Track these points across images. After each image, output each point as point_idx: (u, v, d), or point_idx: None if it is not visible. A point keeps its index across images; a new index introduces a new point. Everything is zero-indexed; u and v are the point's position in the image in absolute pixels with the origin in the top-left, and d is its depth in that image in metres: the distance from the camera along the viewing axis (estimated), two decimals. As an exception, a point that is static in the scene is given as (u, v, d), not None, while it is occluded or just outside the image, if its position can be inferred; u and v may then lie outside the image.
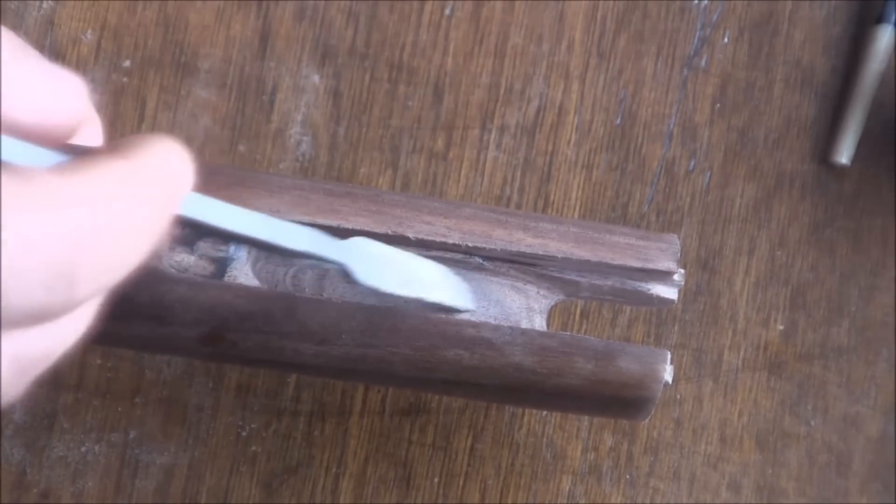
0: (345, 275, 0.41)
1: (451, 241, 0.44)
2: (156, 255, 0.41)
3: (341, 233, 0.43)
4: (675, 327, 0.58)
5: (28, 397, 0.56)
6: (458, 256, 0.44)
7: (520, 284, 0.45)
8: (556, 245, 0.45)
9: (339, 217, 0.43)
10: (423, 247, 0.44)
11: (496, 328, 0.43)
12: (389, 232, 0.43)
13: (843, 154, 0.59)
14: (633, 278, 0.46)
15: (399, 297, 0.42)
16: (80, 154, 0.41)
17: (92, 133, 0.45)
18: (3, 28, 0.39)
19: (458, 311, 0.43)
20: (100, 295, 0.33)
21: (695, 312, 0.58)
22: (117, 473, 0.56)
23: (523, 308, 0.45)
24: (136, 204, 0.32)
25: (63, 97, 0.42)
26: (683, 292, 0.58)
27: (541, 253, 0.44)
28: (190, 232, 0.42)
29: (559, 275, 0.45)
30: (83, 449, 0.56)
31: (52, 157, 0.33)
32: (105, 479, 0.56)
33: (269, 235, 0.38)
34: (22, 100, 0.40)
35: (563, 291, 0.46)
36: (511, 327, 0.43)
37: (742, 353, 0.58)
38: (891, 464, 0.58)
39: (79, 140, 0.44)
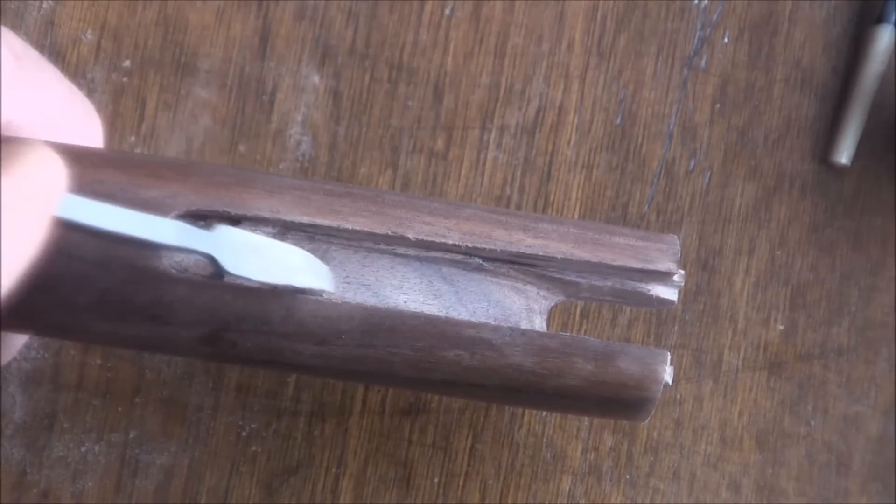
0: (214, 265, 0.40)
1: (451, 242, 0.44)
2: (153, 256, 0.41)
3: (340, 233, 0.43)
4: (675, 327, 0.58)
5: (28, 397, 0.56)
6: (458, 257, 0.44)
7: (520, 285, 0.45)
8: (557, 246, 0.45)
9: (339, 217, 0.43)
10: (422, 247, 0.44)
11: (496, 329, 0.43)
12: (389, 232, 0.43)
13: (843, 154, 0.59)
14: (633, 279, 0.46)
15: (267, 284, 0.42)
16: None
17: (93, 133, 0.45)
18: (4, 28, 0.39)
19: (321, 292, 0.43)
20: None
21: (695, 312, 0.58)
22: (117, 473, 0.56)
23: (523, 309, 0.45)
24: (16, 219, 0.33)
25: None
26: (683, 292, 0.58)
27: (541, 254, 0.44)
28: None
29: (559, 275, 0.45)
30: (83, 449, 0.56)
31: None
32: (105, 479, 0.56)
33: (136, 230, 0.38)
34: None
35: (563, 292, 0.46)
36: (511, 328, 0.43)
37: (742, 353, 0.58)
38: (891, 464, 0.58)
39: (79, 140, 0.44)
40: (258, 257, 0.41)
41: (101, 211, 0.37)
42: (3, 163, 0.34)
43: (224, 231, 0.41)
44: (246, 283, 0.42)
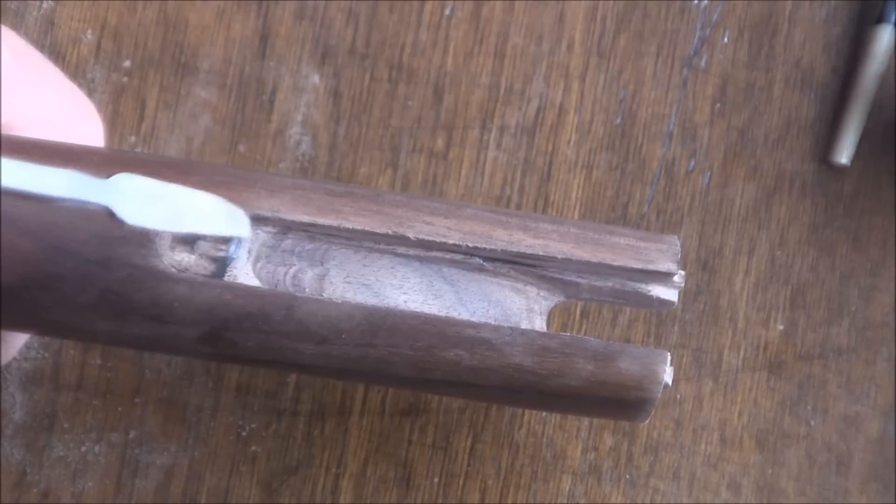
0: (111, 216, 0.39)
1: (451, 242, 0.44)
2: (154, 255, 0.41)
3: (341, 232, 0.43)
4: (675, 327, 0.58)
5: (28, 397, 0.56)
6: (459, 257, 0.44)
7: (520, 285, 0.45)
8: (557, 246, 0.45)
9: (339, 217, 0.43)
10: (423, 247, 0.44)
11: (496, 329, 0.43)
12: (390, 232, 0.43)
13: (843, 154, 0.59)
14: (633, 280, 0.46)
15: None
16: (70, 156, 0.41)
17: (94, 133, 0.45)
18: (4, 28, 0.40)
19: (237, 239, 0.42)
20: None
21: (695, 312, 0.58)
22: (117, 473, 0.56)
23: (523, 309, 0.45)
24: None
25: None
26: (683, 292, 0.58)
27: (541, 254, 0.44)
28: (189, 232, 0.42)
29: (559, 276, 0.45)
30: (83, 449, 0.56)
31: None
32: (105, 479, 0.56)
33: (21, 183, 0.37)
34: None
35: (564, 293, 0.46)
36: (511, 328, 0.43)
37: (742, 353, 0.58)
38: (891, 464, 0.58)
39: (80, 141, 0.44)
40: (162, 205, 0.40)
41: None
42: None
43: (122, 179, 0.40)
44: (246, 283, 0.42)
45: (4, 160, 0.36)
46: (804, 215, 0.59)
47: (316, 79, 0.58)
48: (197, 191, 0.41)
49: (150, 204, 0.40)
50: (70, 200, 0.38)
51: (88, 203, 0.39)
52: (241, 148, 0.58)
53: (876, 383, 0.58)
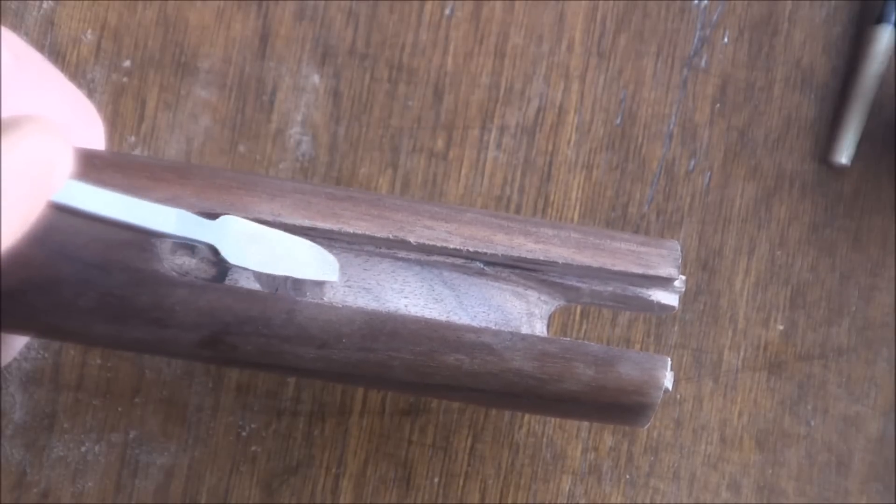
0: (215, 254, 0.40)
1: (451, 246, 0.44)
2: (154, 258, 0.41)
3: (341, 237, 0.43)
4: (675, 327, 0.58)
5: (28, 397, 0.56)
6: (460, 261, 0.44)
7: (521, 290, 0.45)
8: (558, 251, 0.45)
9: (339, 221, 0.43)
10: (424, 251, 0.44)
11: (497, 333, 0.43)
12: (390, 236, 0.43)
13: (843, 154, 0.59)
14: (633, 284, 0.46)
15: (270, 276, 0.42)
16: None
17: (95, 135, 0.45)
18: (4, 29, 0.40)
19: (328, 283, 0.43)
20: None
21: (695, 312, 0.58)
22: (117, 473, 0.56)
23: (524, 313, 0.45)
24: (6, 190, 0.32)
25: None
26: (683, 292, 0.58)
27: (542, 258, 0.44)
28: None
29: (560, 280, 0.45)
30: (83, 449, 0.56)
31: None
32: (105, 479, 0.56)
33: (136, 218, 0.38)
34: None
35: (564, 297, 0.46)
36: (511, 332, 0.43)
37: (742, 353, 0.58)
38: (891, 464, 0.58)
39: (81, 143, 0.44)
40: (261, 248, 0.41)
41: (100, 197, 0.37)
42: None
43: (228, 221, 0.41)
44: (247, 286, 0.42)
45: (121, 196, 0.37)
46: (804, 215, 0.59)
47: (316, 79, 0.58)
48: (295, 237, 0.42)
49: (251, 246, 0.41)
50: (179, 238, 0.39)
51: (196, 241, 0.40)
52: (241, 148, 0.58)
53: (876, 383, 0.58)
